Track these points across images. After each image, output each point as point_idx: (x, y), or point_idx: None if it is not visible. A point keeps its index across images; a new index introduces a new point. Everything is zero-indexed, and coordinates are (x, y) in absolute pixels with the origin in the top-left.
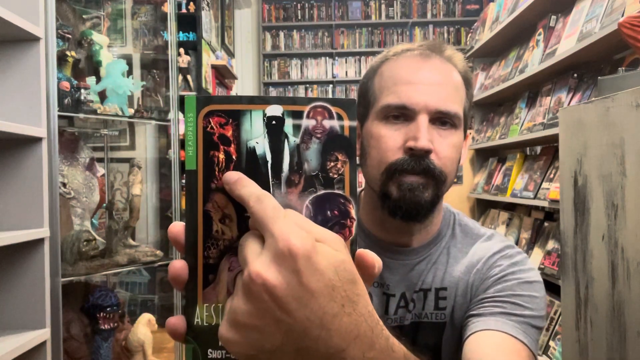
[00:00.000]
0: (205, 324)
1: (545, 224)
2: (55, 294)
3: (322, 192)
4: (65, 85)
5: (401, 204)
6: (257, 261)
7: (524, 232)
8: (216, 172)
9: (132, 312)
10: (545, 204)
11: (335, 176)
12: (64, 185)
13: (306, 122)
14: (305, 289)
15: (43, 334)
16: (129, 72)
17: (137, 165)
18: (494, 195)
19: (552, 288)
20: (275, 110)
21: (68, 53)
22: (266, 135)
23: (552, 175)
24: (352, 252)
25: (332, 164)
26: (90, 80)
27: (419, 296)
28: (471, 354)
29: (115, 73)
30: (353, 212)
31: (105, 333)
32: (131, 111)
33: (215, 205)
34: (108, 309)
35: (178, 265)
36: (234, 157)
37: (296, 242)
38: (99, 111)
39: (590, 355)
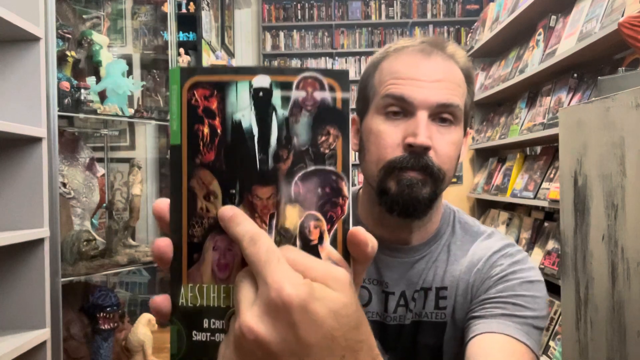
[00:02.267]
0: (190, 304)
1: (545, 224)
2: (55, 294)
3: (313, 168)
4: (65, 85)
5: (399, 200)
6: (249, 312)
7: (524, 232)
8: (201, 147)
9: (132, 312)
10: (545, 204)
11: (327, 151)
12: (64, 185)
13: (295, 94)
14: (302, 343)
15: (43, 334)
16: (129, 72)
17: (137, 165)
18: (494, 195)
19: (552, 288)
20: (262, 81)
21: (68, 53)
22: (253, 107)
23: (552, 175)
24: (345, 232)
25: (323, 138)
26: (90, 80)
27: (419, 295)
28: (474, 357)
29: (115, 73)
30: (346, 190)
31: (105, 333)
32: (131, 111)
33: (199, 181)
34: (108, 309)
35: (162, 244)
36: (218, 131)
37: (290, 292)
38: (99, 111)
39: (590, 355)
